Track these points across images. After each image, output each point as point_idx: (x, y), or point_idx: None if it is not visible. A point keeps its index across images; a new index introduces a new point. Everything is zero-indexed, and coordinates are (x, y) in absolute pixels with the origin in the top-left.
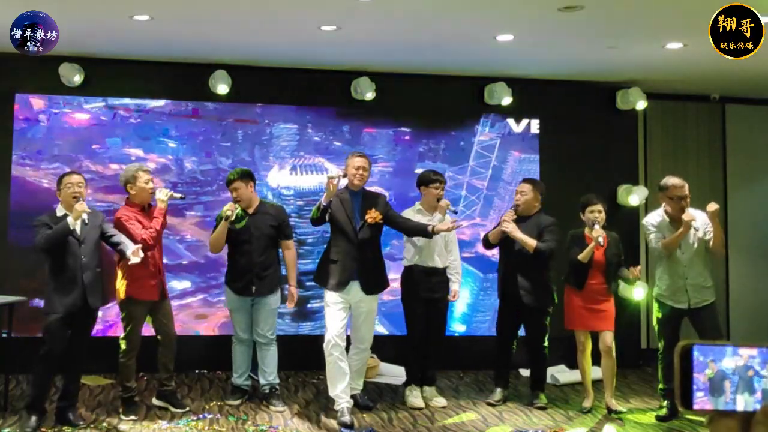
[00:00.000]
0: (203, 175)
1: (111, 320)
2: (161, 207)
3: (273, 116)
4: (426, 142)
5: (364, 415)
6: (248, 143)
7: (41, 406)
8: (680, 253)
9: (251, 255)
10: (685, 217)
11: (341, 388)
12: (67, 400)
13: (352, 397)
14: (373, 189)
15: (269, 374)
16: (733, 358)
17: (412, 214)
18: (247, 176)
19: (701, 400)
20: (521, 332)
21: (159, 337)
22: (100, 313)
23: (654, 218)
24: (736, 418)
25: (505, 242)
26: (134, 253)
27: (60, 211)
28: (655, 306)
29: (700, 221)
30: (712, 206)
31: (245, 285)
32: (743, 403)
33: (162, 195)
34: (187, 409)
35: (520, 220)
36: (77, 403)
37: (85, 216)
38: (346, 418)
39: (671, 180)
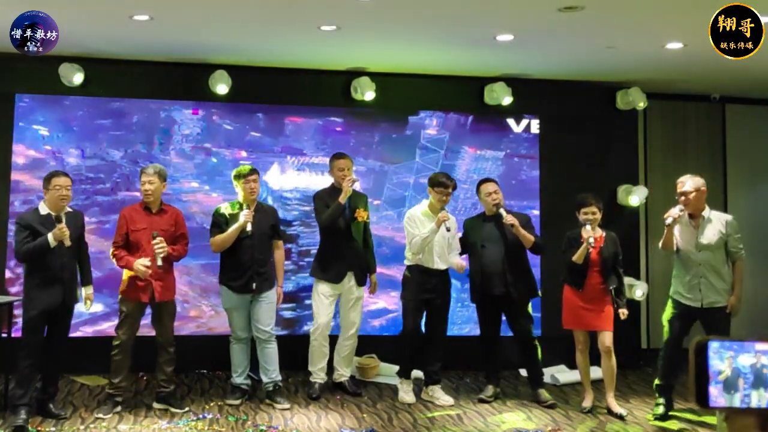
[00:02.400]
0: (92, 171)
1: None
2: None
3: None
4: (356, 134)
5: (365, 415)
6: (144, 132)
7: (26, 401)
8: (695, 251)
9: (253, 252)
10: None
11: (320, 367)
12: (46, 393)
13: (340, 383)
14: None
15: (272, 371)
16: (748, 355)
17: (418, 214)
18: (259, 175)
19: (717, 399)
20: (508, 331)
21: (157, 339)
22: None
23: (672, 211)
24: (753, 415)
25: (481, 242)
26: (86, 303)
27: (43, 209)
28: (669, 304)
29: (715, 223)
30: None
31: (246, 282)
32: (757, 398)
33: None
34: (187, 409)
35: (496, 217)
36: (57, 394)
37: (67, 241)
38: (316, 393)
39: (679, 179)
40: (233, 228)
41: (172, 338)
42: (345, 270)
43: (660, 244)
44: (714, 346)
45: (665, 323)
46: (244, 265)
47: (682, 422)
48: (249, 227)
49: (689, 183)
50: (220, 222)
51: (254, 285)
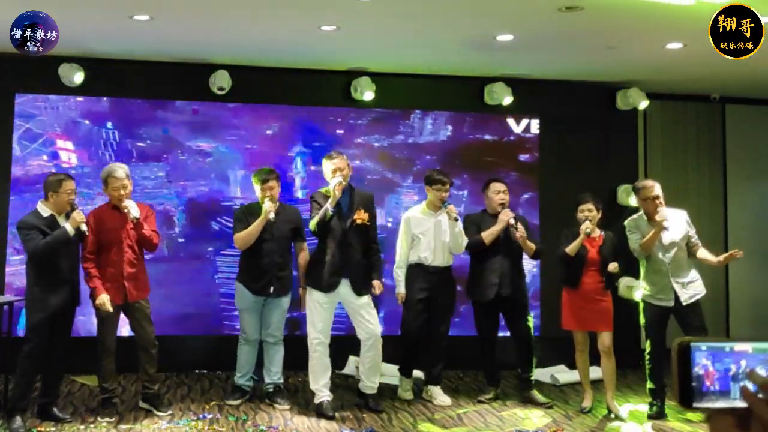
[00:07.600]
0: None
1: None
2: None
3: None
4: (161, 107)
5: (364, 415)
6: None
7: (24, 404)
8: (662, 252)
9: (272, 255)
10: (657, 217)
11: (323, 383)
12: (49, 397)
13: (364, 397)
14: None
15: (275, 374)
16: (732, 357)
17: (418, 214)
18: (278, 176)
19: (701, 398)
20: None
21: (137, 341)
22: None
23: (633, 220)
24: (734, 415)
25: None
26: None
27: (45, 211)
28: (642, 309)
29: (676, 220)
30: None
31: (264, 285)
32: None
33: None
34: (170, 412)
35: (496, 217)
36: (59, 398)
37: (84, 226)
38: (328, 410)
39: (643, 182)
40: (256, 222)
41: (152, 339)
42: (337, 278)
43: (641, 246)
44: (697, 346)
45: (643, 329)
46: (264, 268)
47: (681, 421)
48: (272, 216)
49: (658, 186)
50: (242, 217)
51: (272, 289)
